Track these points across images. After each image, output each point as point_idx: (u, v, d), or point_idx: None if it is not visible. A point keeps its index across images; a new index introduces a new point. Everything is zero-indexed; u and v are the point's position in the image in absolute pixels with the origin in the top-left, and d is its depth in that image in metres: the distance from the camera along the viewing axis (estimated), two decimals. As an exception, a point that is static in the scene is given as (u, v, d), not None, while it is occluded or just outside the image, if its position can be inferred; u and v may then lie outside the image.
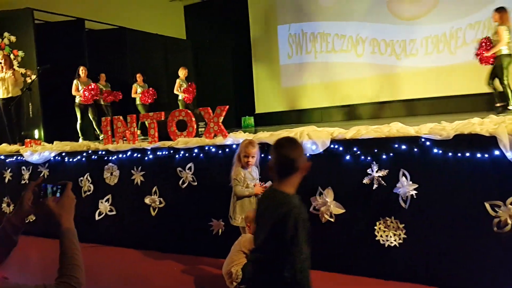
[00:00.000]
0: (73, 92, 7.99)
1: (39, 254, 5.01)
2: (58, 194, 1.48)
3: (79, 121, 8.08)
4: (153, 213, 4.65)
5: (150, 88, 9.14)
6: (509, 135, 2.80)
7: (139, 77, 9.21)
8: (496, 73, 5.80)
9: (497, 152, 2.88)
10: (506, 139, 2.80)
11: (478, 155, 2.96)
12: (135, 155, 4.81)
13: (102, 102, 8.76)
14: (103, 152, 5.11)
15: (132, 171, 4.78)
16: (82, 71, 8.07)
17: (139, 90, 9.09)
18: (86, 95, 7.88)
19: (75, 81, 7.98)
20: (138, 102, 9.15)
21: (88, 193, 5.20)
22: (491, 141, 2.88)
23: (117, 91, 9.01)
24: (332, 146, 3.57)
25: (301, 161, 1.98)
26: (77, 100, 8.05)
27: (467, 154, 3.00)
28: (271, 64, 11.37)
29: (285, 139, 2.11)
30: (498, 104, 5.89)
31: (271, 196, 2.02)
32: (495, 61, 5.80)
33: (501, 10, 5.92)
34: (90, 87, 7.95)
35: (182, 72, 9.00)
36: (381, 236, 3.34)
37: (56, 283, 1.29)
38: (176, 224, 4.52)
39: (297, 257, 1.85)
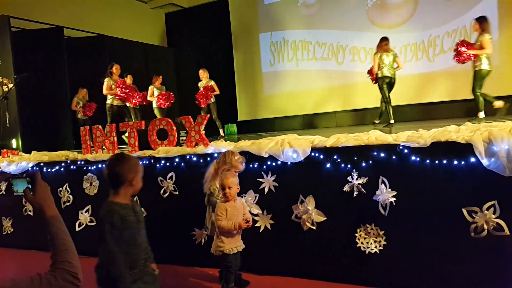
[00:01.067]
0: (105, 91, 7.65)
1: (20, 268, 4.87)
2: (29, 186, 1.46)
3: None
4: (133, 224, 4.58)
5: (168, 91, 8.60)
6: (484, 143, 2.86)
7: (156, 79, 8.55)
8: (474, 79, 5.90)
9: (473, 159, 2.94)
10: (481, 147, 2.85)
11: (455, 162, 3.02)
12: (115, 164, 4.74)
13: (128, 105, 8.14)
14: (82, 162, 5.02)
15: (112, 181, 4.71)
16: (115, 68, 7.78)
17: (156, 92, 8.39)
18: (119, 92, 7.55)
19: (106, 80, 7.65)
20: (154, 105, 8.48)
21: (68, 203, 5.10)
22: (467, 148, 2.93)
23: (92, 103, 8.79)
24: (312, 154, 3.59)
25: (128, 175, 2.29)
26: (108, 101, 7.78)
27: (444, 161, 3.05)
28: (253, 72, 11.42)
29: (115, 155, 2.45)
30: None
31: (103, 204, 2.38)
32: (474, 73, 5.90)
33: (481, 19, 6.00)
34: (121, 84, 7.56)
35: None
36: (362, 243, 3.36)
37: (51, 270, 1.28)
38: (158, 234, 4.44)
39: (112, 255, 2.24)
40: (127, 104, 7.93)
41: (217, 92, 8.28)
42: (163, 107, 8.29)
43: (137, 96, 7.85)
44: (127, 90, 7.47)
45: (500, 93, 8.29)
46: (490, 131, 2.89)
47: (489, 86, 8.56)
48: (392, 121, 6.82)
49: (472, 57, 5.90)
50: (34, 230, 5.12)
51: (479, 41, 5.86)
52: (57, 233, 1.37)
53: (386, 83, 6.93)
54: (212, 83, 8.26)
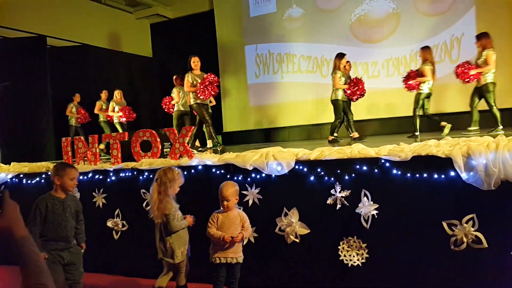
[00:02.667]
0: (109, 113, 8.59)
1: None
2: None
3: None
4: (116, 237, 4.52)
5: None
6: (463, 157, 2.93)
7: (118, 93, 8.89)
8: (485, 97, 6.06)
9: (452, 173, 3.00)
10: (460, 161, 2.92)
11: (435, 175, 3.07)
12: (97, 176, 4.69)
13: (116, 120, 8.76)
14: (64, 174, 4.94)
15: (93, 193, 4.65)
16: (118, 94, 8.73)
17: (116, 108, 8.76)
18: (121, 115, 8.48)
19: (111, 103, 8.61)
20: (116, 120, 8.77)
21: (47, 216, 5.00)
22: (446, 162, 3.00)
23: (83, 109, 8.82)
24: (296, 167, 3.61)
25: (56, 177, 3.25)
26: (115, 119, 8.60)
27: (425, 175, 3.10)
28: (238, 83, 11.46)
29: (55, 165, 3.41)
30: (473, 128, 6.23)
31: None
32: (481, 87, 6.07)
33: (483, 36, 6.17)
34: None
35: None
36: (344, 255, 3.38)
37: None
38: (140, 248, 4.40)
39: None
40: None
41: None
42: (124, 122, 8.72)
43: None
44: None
45: (482, 108, 8.50)
46: (469, 146, 2.96)
47: (464, 99, 8.77)
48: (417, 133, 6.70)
49: (475, 77, 6.10)
50: None
51: (484, 56, 6.03)
52: (29, 254, 1.31)
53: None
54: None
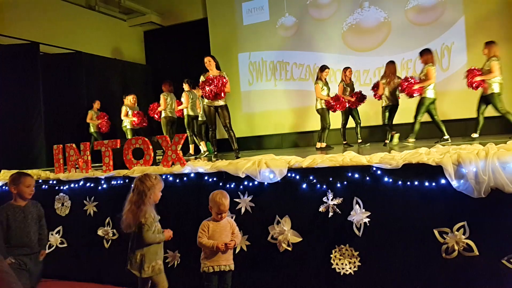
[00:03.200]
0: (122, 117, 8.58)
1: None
2: None
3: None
4: (106, 245, 4.48)
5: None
6: (453, 165, 2.95)
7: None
8: (492, 103, 6.29)
9: (443, 181, 3.01)
10: (451, 169, 2.94)
11: (426, 183, 3.09)
12: (88, 184, 4.65)
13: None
14: (54, 182, 4.91)
15: (84, 201, 4.62)
16: (133, 99, 8.78)
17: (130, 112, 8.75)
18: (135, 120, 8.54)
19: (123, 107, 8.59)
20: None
21: (38, 224, 4.95)
22: (437, 170, 3.01)
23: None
24: (289, 174, 3.62)
25: (12, 187, 3.45)
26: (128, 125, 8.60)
27: (416, 183, 3.12)
28: (232, 90, 11.39)
29: (10, 175, 3.57)
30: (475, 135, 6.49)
31: None
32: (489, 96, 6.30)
33: (490, 44, 6.40)
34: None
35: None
36: (336, 264, 3.37)
37: None
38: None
39: None
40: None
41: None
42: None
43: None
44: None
45: (470, 115, 8.59)
46: (459, 154, 2.99)
47: (456, 108, 8.88)
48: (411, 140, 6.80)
49: (481, 83, 6.33)
50: None
51: (489, 65, 6.25)
52: (2, 277, 1.29)
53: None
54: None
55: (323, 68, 7.53)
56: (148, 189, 3.12)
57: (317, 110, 7.49)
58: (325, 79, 7.57)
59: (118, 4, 11.97)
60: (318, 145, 7.42)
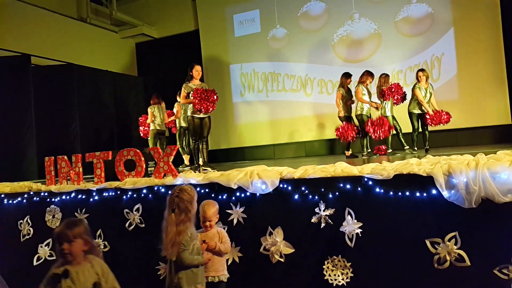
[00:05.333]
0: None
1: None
2: None
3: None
4: (97, 258, 4.42)
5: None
6: (444, 175, 2.97)
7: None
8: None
9: (434, 191, 3.03)
10: (441, 179, 2.96)
11: (417, 194, 3.10)
12: (80, 196, 4.61)
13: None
14: (46, 194, 4.86)
15: (75, 213, 4.57)
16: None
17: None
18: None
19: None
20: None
21: (28, 237, 4.90)
22: (428, 181, 3.03)
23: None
24: (281, 185, 3.62)
25: None
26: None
27: (407, 193, 3.13)
28: (223, 101, 11.48)
29: None
30: None
31: None
32: None
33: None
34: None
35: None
36: (329, 275, 3.37)
37: None
38: (122, 269, 4.29)
39: None
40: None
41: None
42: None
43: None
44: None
45: (460, 125, 8.70)
46: (449, 164, 3.01)
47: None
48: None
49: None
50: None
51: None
52: None
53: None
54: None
55: (348, 75, 7.44)
56: (189, 203, 2.86)
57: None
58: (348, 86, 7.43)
59: (109, 16, 12.00)
60: (347, 153, 7.33)
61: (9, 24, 9.33)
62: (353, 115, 7.23)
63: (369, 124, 6.74)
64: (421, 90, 6.79)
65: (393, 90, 6.81)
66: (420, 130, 6.88)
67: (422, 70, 7.02)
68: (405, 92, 7.05)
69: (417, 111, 6.83)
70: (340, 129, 7.01)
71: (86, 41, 11.32)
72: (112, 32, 12.47)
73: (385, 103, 6.94)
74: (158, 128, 7.96)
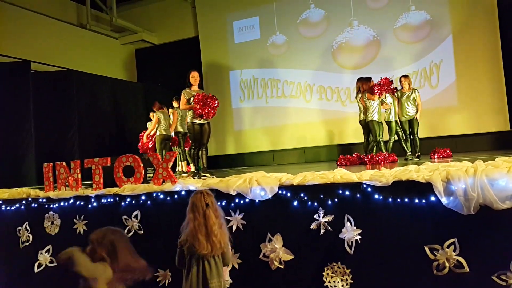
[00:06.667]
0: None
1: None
2: None
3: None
4: (96, 264, 4.41)
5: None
6: (442, 182, 2.98)
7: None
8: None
9: (433, 198, 3.04)
10: (440, 186, 2.97)
11: (416, 200, 3.11)
12: (78, 203, 4.61)
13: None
14: (44, 200, 4.85)
15: (74, 219, 4.56)
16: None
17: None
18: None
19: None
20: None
21: (27, 243, 4.88)
22: (427, 187, 3.04)
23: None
24: (280, 192, 3.62)
25: None
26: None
27: (406, 200, 3.14)
28: (223, 107, 11.47)
29: None
30: None
31: None
32: None
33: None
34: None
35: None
36: (329, 282, 3.36)
37: None
38: (121, 275, 4.30)
39: None
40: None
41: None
42: None
43: None
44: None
45: (459, 132, 8.73)
46: (448, 171, 3.02)
47: (445, 125, 8.99)
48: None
49: None
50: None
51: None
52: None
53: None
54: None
55: (369, 79, 7.24)
56: (212, 203, 2.83)
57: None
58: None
59: (109, 23, 12.04)
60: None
61: (10, 30, 9.38)
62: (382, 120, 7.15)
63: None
64: (403, 96, 6.83)
65: (381, 83, 6.80)
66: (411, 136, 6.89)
67: (404, 76, 7.09)
68: (395, 87, 7.12)
69: (405, 118, 6.82)
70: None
71: (86, 47, 11.36)
72: (112, 38, 12.52)
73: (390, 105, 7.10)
74: (164, 133, 7.92)
